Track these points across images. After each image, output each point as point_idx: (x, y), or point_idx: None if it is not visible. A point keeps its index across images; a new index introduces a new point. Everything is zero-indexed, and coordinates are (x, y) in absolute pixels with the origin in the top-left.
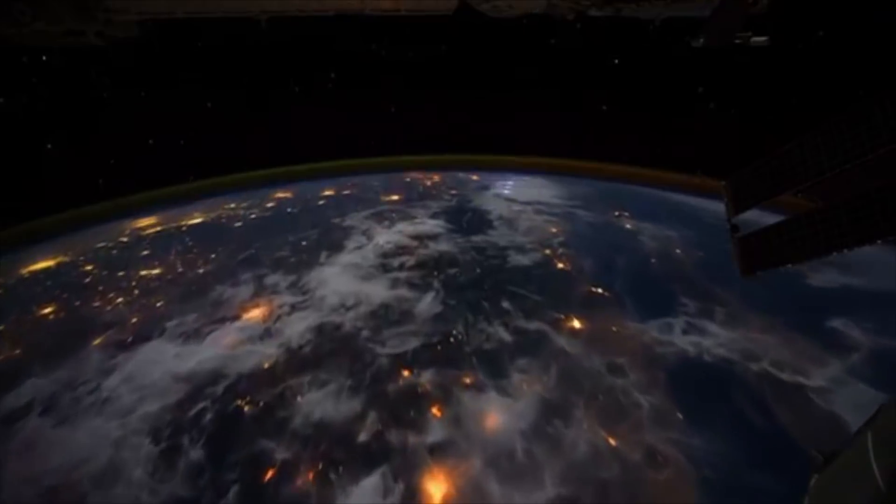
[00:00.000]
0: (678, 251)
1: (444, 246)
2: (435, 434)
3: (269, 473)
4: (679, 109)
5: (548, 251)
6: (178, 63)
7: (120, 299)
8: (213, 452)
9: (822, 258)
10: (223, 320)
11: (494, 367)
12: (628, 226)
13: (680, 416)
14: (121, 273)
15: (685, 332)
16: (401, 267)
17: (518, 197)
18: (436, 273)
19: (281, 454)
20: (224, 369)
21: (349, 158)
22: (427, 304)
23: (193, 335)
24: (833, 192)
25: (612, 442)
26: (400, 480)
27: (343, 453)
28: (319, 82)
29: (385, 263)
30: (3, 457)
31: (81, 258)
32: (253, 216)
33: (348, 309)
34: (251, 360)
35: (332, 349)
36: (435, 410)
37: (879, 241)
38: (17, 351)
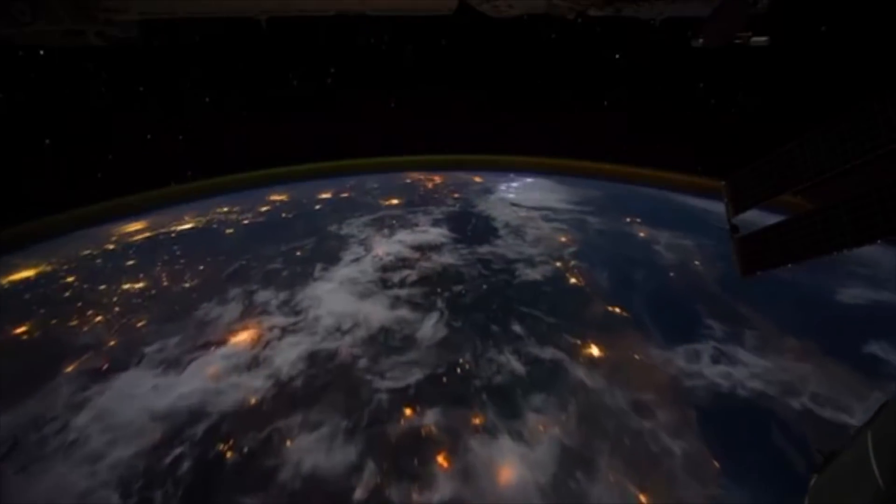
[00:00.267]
0: (697, 263)
1: (447, 258)
2: (442, 490)
3: None
4: (679, 108)
5: (559, 264)
6: (176, 60)
7: (99, 318)
8: None
9: (822, 258)
10: (207, 345)
11: (507, 405)
12: (641, 234)
13: (716, 464)
14: (102, 286)
15: (714, 360)
16: (402, 283)
17: (524, 201)
18: (439, 290)
19: None
20: (206, 406)
21: (347, 159)
22: (431, 327)
23: (174, 363)
24: (833, 192)
25: (644, 500)
26: None
27: None
28: (318, 78)
29: (385, 278)
30: None
31: (64, 267)
32: (246, 222)
33: (344, 333)
34: (236, 396)
35: (326, 382)
36: (441, 459)
37: (879, 241)
38: None
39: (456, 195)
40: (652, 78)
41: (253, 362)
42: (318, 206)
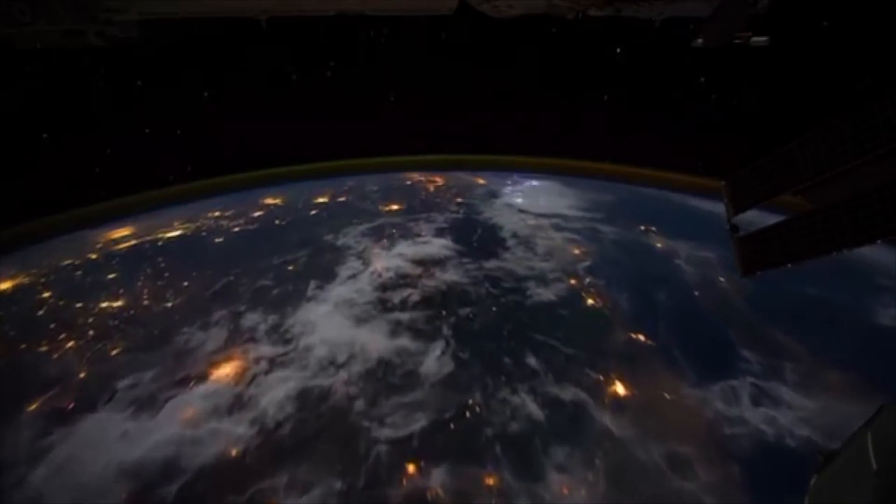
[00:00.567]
0: (721, 279)
1: (452, 275)
2: None
3: None
4: (679, 108)
5: (573, 281)
6: (172, 57)
7: (71, 343)
8: None
9: (821, 258)
10: (186, 381)
11: (525, 461)
12: (659, 245)
13: None
14: (79, 304)
15: (755, 401)
16: (403, 305)
17: (532, 207)
18: (444, 313)
19: None
20: (181, 459)
21: (347, 159)
22: (435, 359)
23: (148, 403)
24: (833, 192)
25: None
26: None
27: None
28: (317, 77)
29: (384, 299)
30: None
31: (42, 280)
32: (237, 229)
33: (339, 367)
34: (215, 446)
35: (317, 429)
36: None
37: (879, 241)
38: None
39: (459, 200)
40: (652, 78)
41: (236, 403)
42: (313, 212)
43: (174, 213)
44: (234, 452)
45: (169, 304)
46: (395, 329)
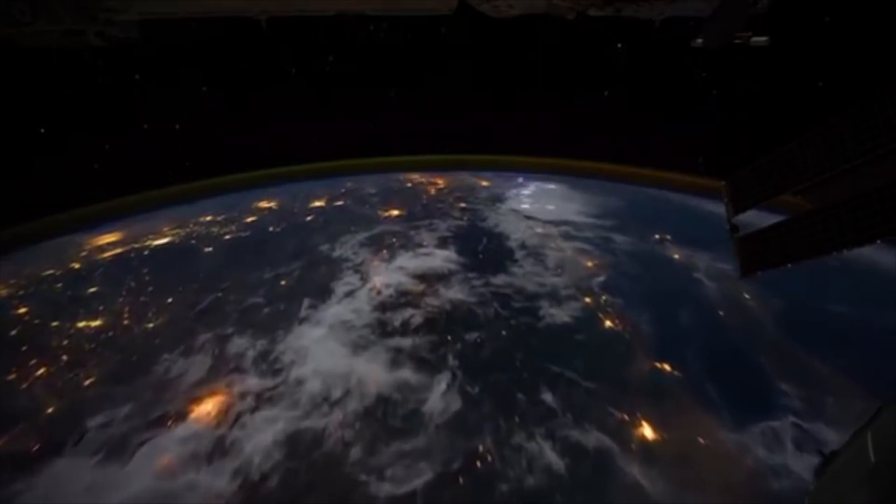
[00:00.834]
0: (746, 296)
1: (458, 293)
2: None
3: None
4: (679, 108)
5: (588, 299)
6: (171, 56)
7: (42, 370)
8: None
9: (821, 258)
10: (163, 420)
11: None
12: (676, 256)
13: None
14: (55, 323)
15: (799, 445)
16: (404, 328)
17: (539, 213)
18: (450, 338)
19: None
20: None
21: (346, 159)
22: (441, 395)
23: (119, 447)
24: (833, 192)
25: None
26: None
27: None
28: (316, 76)
29: (383, 321)
30: None
31: (20, 293)
32: (228, 237)
33: (333, 404)
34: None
35: (308, 482)
36: None
37: (879, 241)
38: None
39: (462, 205)
40: (652, 78)
41: (217, 448)
42: (309, 218)
43: (165, 216)
44: None
45: (150, 325)
46: (396, 358)
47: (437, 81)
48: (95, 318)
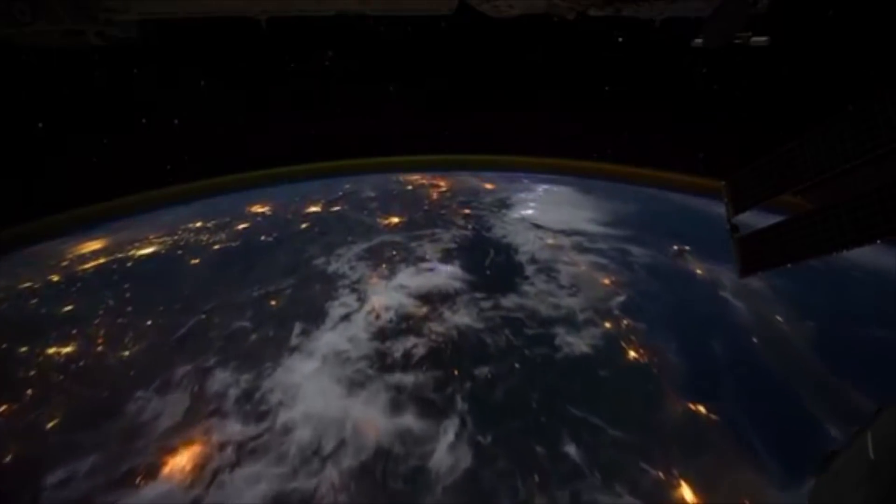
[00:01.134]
0: (779, 318)
1: (464, 317)
2: None
3: None
4: (679, 107)
5: (608, 325)
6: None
7: (3, 407)
8: None
9: (821, 258)
10: (131, 477)
11: None
12: (699, 271)
13: None
14: (24, 349)
15: None
16: (406, 361)
17: (548, 222)
18: (457, 373)
19: None
20: None
21: (345, 159)
22: (448, 447)
23: None
24: (833, 192)
25: None
26: None
27: None
28: (314, 75)
29: (383, 352)
30: None
31: None
32: (217, 246)
33: (326, 458)
34: None
35: None
36: None
37: (879, 241)
38: None
39: (466, 211)
40: (652, 78)
41: None
42: (303, 225)
43: (155, 220)
44: None
45: (126, 354)
46: (397, 399)
47: (437, 81)
48: (68, 344)
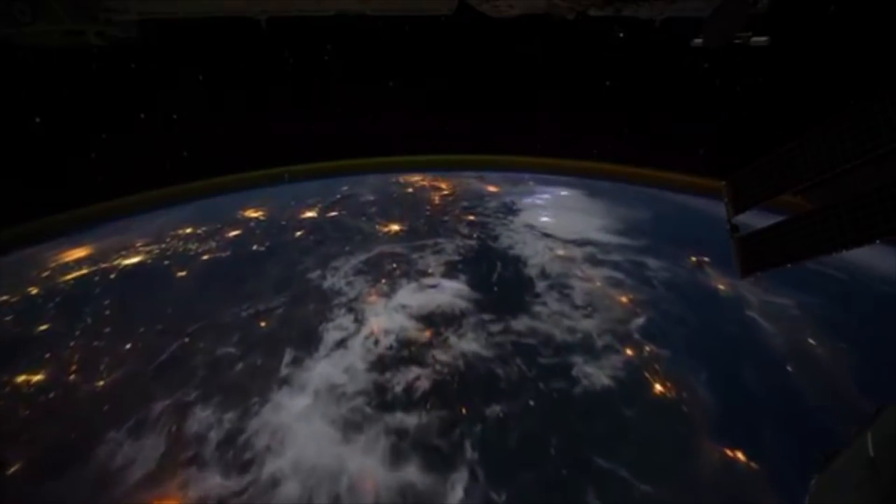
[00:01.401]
0: (812, 342)
1: (472, 343)
2: None
3: None
4: (679, 107)
5: (630, 351)
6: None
7: None
8: None
9: (821, 258)
10: None
11: None
12: (721, 286)
13: None
14: None
15: None
16: (407, 397)
17: (557, 230)
18: (464, 411)
19: None
20: None
21: (344, 159)
22: None
23: None
24: (833, 192)
25: None
26: None
27: None
28: (312, 73)
29: (382, 386)
30: None
31: None
32: (206, 257)
33: None
34: None
35: None
36: None
37: (878, 241)
38: None
39: (470, 218)
40: (652, 78)
41: None
42: (298, 233)
43: (146, 224)
44: None
45: (100, 384)
46: (398, 446)
47: (437, 80)
48: (39, 370)
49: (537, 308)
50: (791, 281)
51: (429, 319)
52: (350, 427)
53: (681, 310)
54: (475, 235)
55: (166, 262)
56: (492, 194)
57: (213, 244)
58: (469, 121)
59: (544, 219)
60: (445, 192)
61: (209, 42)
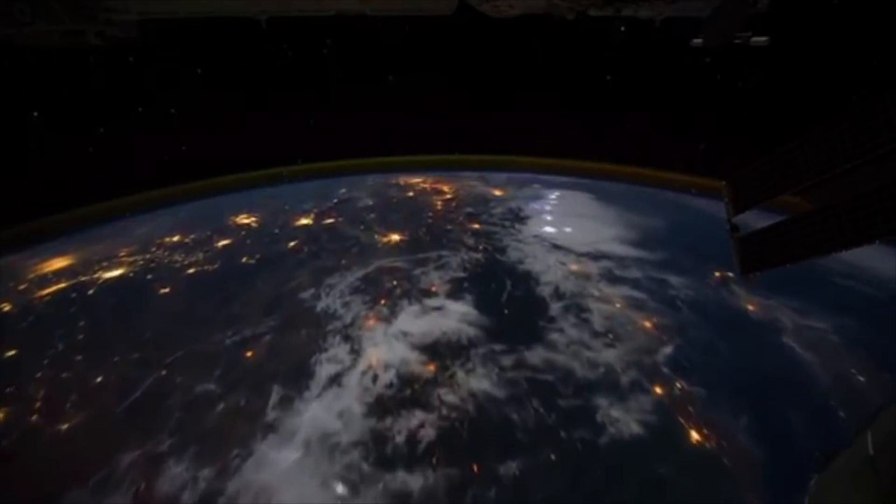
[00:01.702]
0: (854, 372)
1: (482, 380)
2: None
3: None
4: (680, 107)
5: (659, 389)
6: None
7: None
8: None
9: (821, 258)
10: None
11: None
12: (751, 307)
13: None
14: None
15: None
16: (410, 450)
17: (568, 241)
18: (476, 469)
19: None
20: None
21: (343, 159)
22: None
23: None
24: (833, 192)
25: None
26: None
27: None
28: (311, 73)
29: (381, 435)
30: None
31: None
32: (192, 270)
33: None
34: None
35: None
36: None
37: (878, 241)
38: None
39: (476, 226)
40: (652, 78)
41: None
42: (291, 244)
43: (127, 233)
44: None
45: (64, 427)
46: None
47: (437, 80)
48: None
49: (553, 336)
50: (819, 298)
51: (433, 350)
52: (344, 487)
53: (711, 336)
54: (481, 247)
55: (149, 277)
56: (497, 198)
57: (201, 255)
58: (469, 121)
59: (554, 228)
60: (448, 196)
61: (209, 42)
